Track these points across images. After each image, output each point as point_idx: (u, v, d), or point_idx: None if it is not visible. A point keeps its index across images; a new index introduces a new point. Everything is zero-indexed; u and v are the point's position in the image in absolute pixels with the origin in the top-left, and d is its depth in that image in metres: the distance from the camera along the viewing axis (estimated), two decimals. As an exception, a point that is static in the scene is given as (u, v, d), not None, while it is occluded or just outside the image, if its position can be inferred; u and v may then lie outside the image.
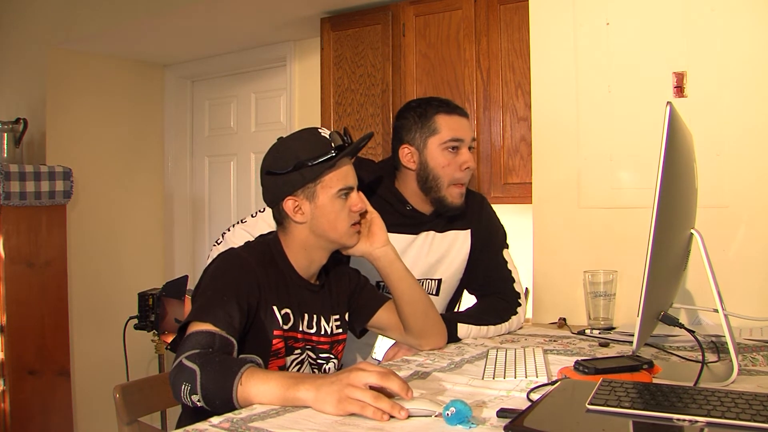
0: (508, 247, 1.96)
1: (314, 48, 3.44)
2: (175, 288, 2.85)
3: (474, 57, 2.75)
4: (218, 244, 1.80)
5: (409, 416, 1.08)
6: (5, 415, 3.23)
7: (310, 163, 1.43)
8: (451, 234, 1.90)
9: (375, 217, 1.57)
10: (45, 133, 3.69)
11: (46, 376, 3.37)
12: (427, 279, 1.88)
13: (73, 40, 3.64)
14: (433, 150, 1.78)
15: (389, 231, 1.73)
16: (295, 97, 3.70)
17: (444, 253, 1.89)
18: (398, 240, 1.80)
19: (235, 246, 1.52)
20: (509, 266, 1.92)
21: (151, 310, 2.94)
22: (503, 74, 2.70)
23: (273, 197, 1.48)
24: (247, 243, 1.52)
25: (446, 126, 1.78)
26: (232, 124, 4.22)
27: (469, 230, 1.92)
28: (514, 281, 1.90)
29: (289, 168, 1.44)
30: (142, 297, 2.97)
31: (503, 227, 1.98)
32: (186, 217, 4.37)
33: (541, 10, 2.27)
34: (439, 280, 1.89)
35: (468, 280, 1.96)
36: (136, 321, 3.00)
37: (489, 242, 1.93)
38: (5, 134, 3.51)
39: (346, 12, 3.12)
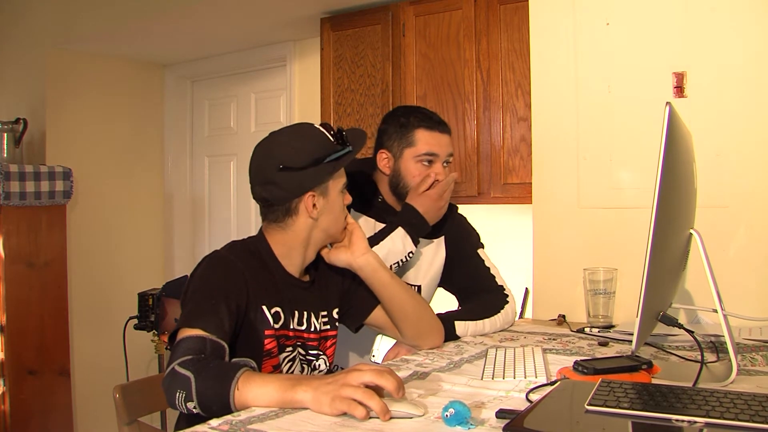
0: (483, 247, 1.99)
1: (314, 48, 3.44)
2: (175, 288, 2.85)
3: (474, 57, 2.75)
4: None
5: (391, 418, 1.09)
6: (5, 415, 3.23)
7: (327, 159, 1.45)
8: (427, 241, 1.93)
9: (355, 228, 1.58)
10: (45, 133, 3.70)
11: (46, 376, 3.38)
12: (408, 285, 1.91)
13: (73, 40, 3.64)
14: (407, 160, 1.84)
15: (377, 220, 1.81)
16: (295, 97, 3.70)
17: (421, 259, 1.93)
18: (370, 223, 1.87)
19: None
20: (487, 264, 1.95)
21: (151, 310, 2.94)
22: (503, 74, 2.70)
23: (287, 193, 1.46)
24: (232, 244, 1.50)
25: (424, 140, 1.83)
26: (231, 124, 4.22)
27: (442, 237, 1.96)
28: (495, 277, 1.93)
29: (308, 163, 1.43)
30: (142, 297, 2.98)
31: (476, 230, 2.02)
32: (186, 217, 4.37)
33: (541, 10, 2.27)
34: (419, 287, 1.93)
35: (450, 284, 2.00)
36: (135, 321, 3.00)
37: (464, 245, 1.97)
38: (5, 134, 3.52)
39: (346, 12, 3.13)
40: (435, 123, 1.85)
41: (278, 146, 1.47)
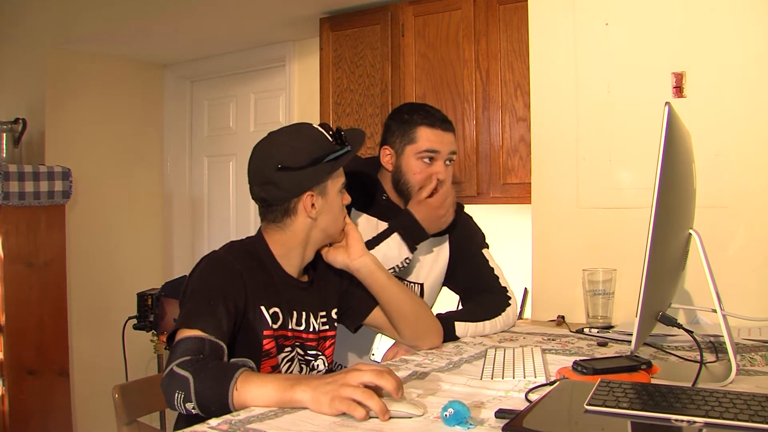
0: (488, 247, 1.99)
1: (313, 48, 3.44)
2: (174, 288, 2.85)
3: (473, 57, 2.75)
4: None
5: (390, 417, 1.09)
6: (4, 415, 3.23)
7: (326, 159, 1.44)
8: (432, 239, 1.93)
9: (351, 229, 1.57)
10: (44, 133, 3.69)
11: (46, 376, 3.38)
12: (411, 282, 1.91)
13: (73, 40, 3.64)
14: (408, 157, 1.84)
15: (379, 219, 1.82)
16: (294, 97, 3.70)
17: (424, 257, 1.93)
18: (372, 222, 1.87)
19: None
20: (491, 264, 1.95)
21: (150, 310, 2.94)
22: (502, 74, 2.70)
23: (285, 193, 1.45)
24: (230, 244, 1.50)
25: (425, 137, 1.83)
26: (231, 124, 4.22)
27: (447, 235, 1.96)
28: (498, 277, 1.93)
29: (307, 163, 1.43)
30: (141, 297, 2.97)
31: (481, 230, 2.01)
32: (185, 217, 4.37)
33: (541, 10, 2.27)
34: (422, 285, 1.93)
35: (453, 283, 2.00)
36: (135, 321, 2.99)
37: (468, 244, 1.96)
38: (4, 134, 3.52)
39: (346, 12, 3.13)
40: (437, 120, 1.84)
41: (277, 146, 1.47)
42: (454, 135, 1.87)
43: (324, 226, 1.50)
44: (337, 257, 1.56)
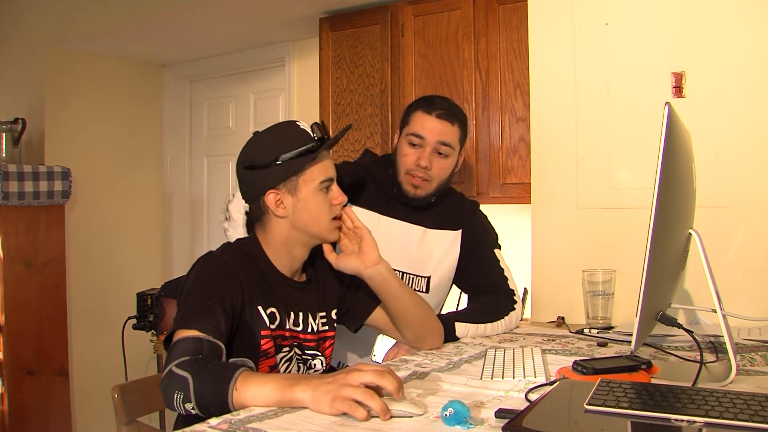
0: (500, 248, 1.98)
1: (313, 48, 3.44)
2: (174, 288, 2.85)
3: (473, 57, 2.75)
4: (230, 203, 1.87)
5: (391, 417, 1.09)
6: (4, 415, 3.23)
7: (292, 156, 1.42)
8: (443, 233, 1.93)
9: (365, 234, 1.53)
10: (44, 132, 3.69)
11: (45, 376, 3.37)
12: (416, 275, 1.90)
13: (73, 40, 3.64)
14: (402, 139, 1.88)
15: (381, 213, 1.83)
16: (293, 97, 3.70)
17: (433, 251, 1.92)
18: (388, 224, 1.87)
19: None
20: (501, 264, 1.94)
21: (149, 310, 2.94)
22: (502, 74, 2.70)
23: (253, 192, 1.45)
24: (226, 245, 1.50)
25: (415, 121, 1.85)
26: (230, 124, 4.22)
27: (460, 231, 1.95)
28: (507, 279, 1.92)
29: (270, 161, 1.42)
30: (141, 297, 2.97)
31: (495, 230, 2.01)
32: (185, 217, 4.37)
33: (540, 10, 2.27)
34: (428, 278, 1.92)
35: (462, 280, 1.98)
36: (134, 321, 3.00)
37: (480, 243, 1.96)
38: (4, 134, 3.52)
39: (345, 12, 3.12)
40: (435, 108, 1.83)
41: (249, 145, 1.49)
42: (451, 127, 1.84)
43: (301, 225, 1.47)
44: (349, 263, 1.52)
